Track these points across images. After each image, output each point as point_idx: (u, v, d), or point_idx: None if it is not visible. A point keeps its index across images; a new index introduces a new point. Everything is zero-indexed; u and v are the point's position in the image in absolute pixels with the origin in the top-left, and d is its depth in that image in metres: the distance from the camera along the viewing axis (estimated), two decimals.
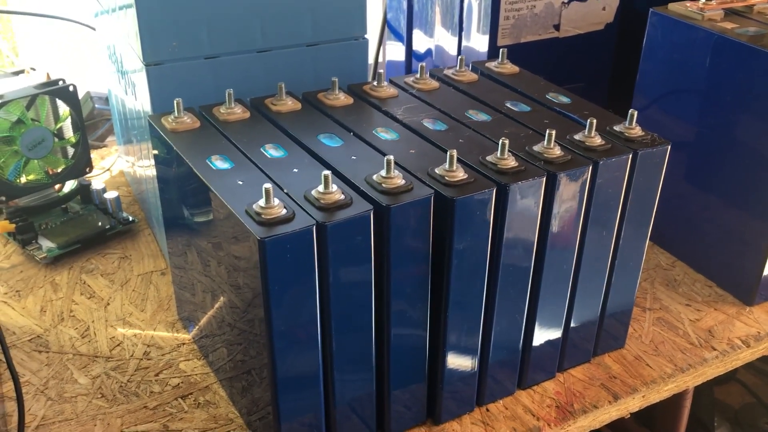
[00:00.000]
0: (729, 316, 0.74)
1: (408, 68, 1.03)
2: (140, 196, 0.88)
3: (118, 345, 0.68)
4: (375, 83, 0.67)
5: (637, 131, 0.59)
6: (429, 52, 0.98)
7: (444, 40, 0.93)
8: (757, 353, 0.71)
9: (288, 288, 0.48)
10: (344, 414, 0.56)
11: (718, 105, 0.73)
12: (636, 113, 0.60)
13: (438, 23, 0.94)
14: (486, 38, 0.86)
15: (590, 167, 0.56)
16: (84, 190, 0.86)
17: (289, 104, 0.63)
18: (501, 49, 0.73)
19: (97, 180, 0.91)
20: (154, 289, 0.76)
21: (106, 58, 0.86)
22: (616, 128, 0.60)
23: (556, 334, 0.63)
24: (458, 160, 0.53)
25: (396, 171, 0.51)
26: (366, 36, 0.73)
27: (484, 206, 0.52)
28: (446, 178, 0.52)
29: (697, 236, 0.79)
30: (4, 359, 0.59)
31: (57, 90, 0.80)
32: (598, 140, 0.58)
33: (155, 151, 0.63)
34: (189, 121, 0.60)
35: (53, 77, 0.83)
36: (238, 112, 0.62)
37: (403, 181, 0.51)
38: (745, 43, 0.69)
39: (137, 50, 0.65)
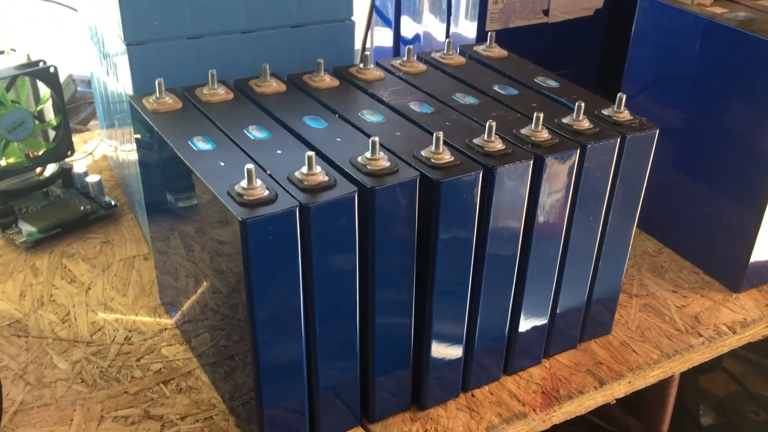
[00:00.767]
0: (715, 302, 0.74)
1: (396, 54, 1.02)
2: (123, 181, 0.87)
3: (99, 330, 0.67)
4: (361, 65, 0.66)
5: (625, 115, 0.59)
6: (417, 37, 0.97)
7: (432, 26, 0.93)
8: (743, 340, 0.71)
9: (271, 271, 0.47)
10: (328, 399, 0.55)
11: (708, 91, 0.72)
12: (624, 97, 0.59)
13: (426, 9, 0.93)
14: (474, 24, 0.85)
15: (578, 151, 0.55)
16: (65, 174, 0.85)
17: (274, 86, 0.62)
18: (489, 33, 0.72)
19: (79, 164, 0.90)
20: (137, 274, 0.75)
21: (87, 40, 0.85)
22: (605, 112, 0.59)
23: (542, 319, 0.62)
24: (444, 142, 0.52)
25: (381, 153, 0.50)
26: (353, 18, 0.72)
27: (471, 189, 0.51)
28: (432, 160, 0.51)
29: (685, 223, 0.79)
30: None
31: (37, 71, 0.79)
32: (586, 124, 0.57)
33: (137, 134, 0.62)
34: (171, 101, 0.59)
35: (34, 59, 0.82)
36: (222, 93, 0.60)
37: (389, 163, 0.50)
38: (734, 27, 0.68)
39: (119, 30, 0.64)
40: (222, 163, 0.51)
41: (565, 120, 0.58)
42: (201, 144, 0.54)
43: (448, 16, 0.89)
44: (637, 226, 0.63)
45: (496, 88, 0.64)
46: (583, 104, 0.57)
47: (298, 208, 0.46)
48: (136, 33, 0.63)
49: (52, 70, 0.79)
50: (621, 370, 0.65)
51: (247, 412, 0.55)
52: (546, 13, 0.88)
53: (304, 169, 0.49)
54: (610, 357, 0.66)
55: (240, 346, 0.53)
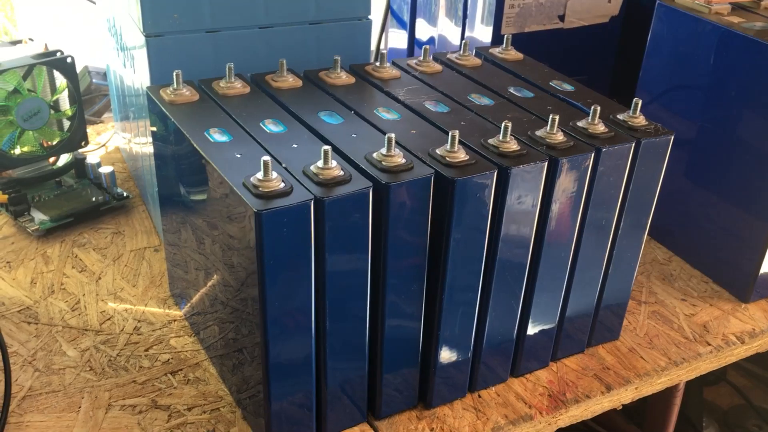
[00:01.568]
0: (724, 312, 0.73)
1: (410, 55, 1.03)
2: (136, 173, 0.87)
3: (109, 319, 0.67)
4: (377, 64, 0.66)
5: (640, 120, 0.59)
6: (432, 40, 0.97)
7: (447, 29, 0.93)
8: (751, 350, 0.71)
9: (283, 264, 0.47)
10: (335, 395, 0.55)
11: (722, 100, 0.72)
12: (640, 102, 0.59)
13: (442, 12, 0.93)
14: (490, 28, 0.85)
15: (593, 154, 0.55)
16: (79, 164, 0.85)
17: (290, 81, 0.63)
18: (505, 36, 0.72)
19: (92, 155, 0.90)
20: (147, 265, 0.75)
21: (105, 32, 0.85)
22: (620, 117, 0.59)
23: (551, 323, 0.62)
24: (459, 141, 0.52)
25: (396, 150, 0.51)
26: (370, 17, 0.72)
27: (485, 188, 0.51)
28: (447, 158, 0.51)
29: (695, 232, 0.79)
30: None
31: (54, 61, 0.79)
32: (601, 128, 0.57)
33: (152, 126, 0.62)
34: (188, 93, 0.59)
35: (51, 49, 0.82)
36: (238, 86, 0.61)
37: (404, 160, 0.50)
38: (751, 37, 0.68)
39: (137, 21, 0.64)
40: (238, 155, 0.51)
41: (580, 123, 0.58)
42: (217, 136, 0.54)
43: (463, 20, 0.89)
44: (647, 234, 0.63)
45: (511, 89, 0.65)
46: (599, 108, 0.57)
47: (312, 202, 0.46)
48: (155, 25, 0.64)
49: (69, 60, 0.79)
50: (628, 376, 0.64)
51: (254, 405, 0.55)
52: (561, 18, 0.88)
53: (320, 163, 0.49)
54: (618, 363, 0.66)
55: (249, 339, 0.53)
